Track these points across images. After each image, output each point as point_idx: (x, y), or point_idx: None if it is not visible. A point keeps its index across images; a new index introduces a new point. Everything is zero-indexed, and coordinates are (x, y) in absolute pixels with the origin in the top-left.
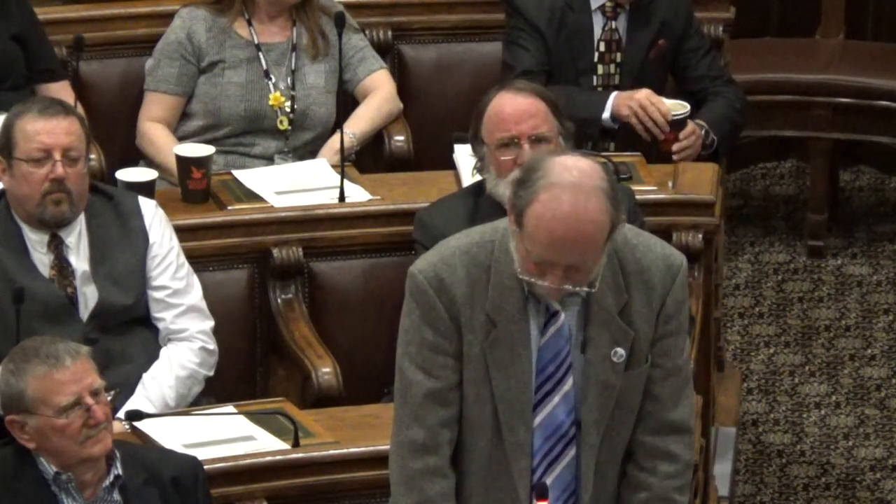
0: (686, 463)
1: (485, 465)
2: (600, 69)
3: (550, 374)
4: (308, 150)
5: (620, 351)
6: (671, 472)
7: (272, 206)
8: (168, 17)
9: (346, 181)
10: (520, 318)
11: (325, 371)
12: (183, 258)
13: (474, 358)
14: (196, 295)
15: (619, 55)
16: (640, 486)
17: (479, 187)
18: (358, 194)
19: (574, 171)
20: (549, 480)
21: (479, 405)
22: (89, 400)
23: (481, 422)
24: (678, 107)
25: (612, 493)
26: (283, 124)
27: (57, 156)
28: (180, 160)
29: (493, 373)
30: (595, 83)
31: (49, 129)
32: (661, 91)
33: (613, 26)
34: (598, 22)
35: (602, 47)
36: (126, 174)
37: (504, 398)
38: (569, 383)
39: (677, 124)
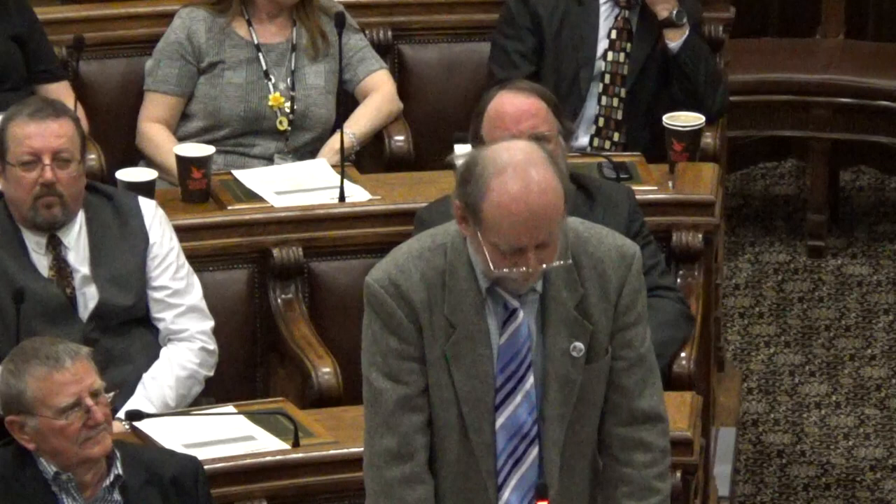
0: (662, 450)
1: (454, 467)
2: (610, 56)
3: (512, 372)
4: (308, 151)
5: (579, 345)
6: (647, 460)
7: (272, 206)
8: (168, 17)
9: (346, 181)
10: (478, 319)
11: (325, 371)
12: (183, 258)
13: (436, 361)
14: (196, 295)
15: (629, 45)
16: (621, 480)
17: None
18: (358, 194)
19: (512, 150)
20: (514, 480)
21: (445, 408)
22: (89, 401)
23: (448, 424)
24: (693, 119)
25: (583, 488)
26: (283, 125)
27: (46, 160)
28: (180, 160)
29: (455, 375)
30: (601, 69)
31: (39, 133)
32: (664, 85)
33: (626, 15)
34: (604, 12)
35: (613, 35)
36: (126, 174)
37: (468, 399)
38: (530, 381)
39: (690, 135)
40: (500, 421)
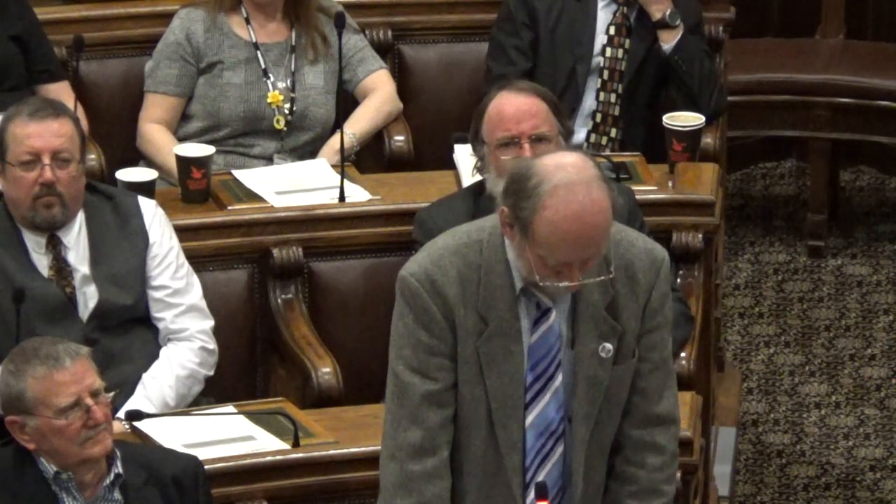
0: (672, 454)
1: (479, 464)
2: (608, 52)
3: (541, 371)
4: (308, 151)
5: (608, 346)
6: (658, 464)
7: (272, 206)
8: (168, 17)
9: (346, 181)
10: (511, 317)
11: (325, 371)
12: (183, 258)
13: (468, 357)
14: (196, 294)
15: (627, 41)
16: (630, 480)
17: (479, 187)
18: (358, 194)
19: (568, 168)
20: (540, 477)
21: (474, 404)
22: (89, 401)
23: (475, 421)
24: (693, 118)
25: (600, 485)
26: (280, 124)
27: (46, 159)
28: (180, 160)
29: (486, 371)
30: (599, 64)
31: (38, 133)
32: (662, 83)
33: (625, 11)
34: (602, 8)
35: (612, 30)
36: (126, 174)
37: (497, 396)
38: (559, 380)
39: (690, 135)
40: (529, 419)
